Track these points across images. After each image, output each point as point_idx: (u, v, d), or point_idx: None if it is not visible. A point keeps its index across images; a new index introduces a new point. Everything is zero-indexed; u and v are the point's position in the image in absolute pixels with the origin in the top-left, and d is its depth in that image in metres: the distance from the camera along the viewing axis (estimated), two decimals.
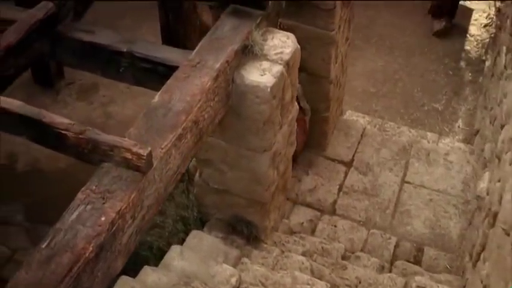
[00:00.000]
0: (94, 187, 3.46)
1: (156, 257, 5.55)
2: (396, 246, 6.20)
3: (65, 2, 5.17)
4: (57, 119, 3.70)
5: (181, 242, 5.49)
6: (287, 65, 4.70)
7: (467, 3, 10.44)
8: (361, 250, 6.10)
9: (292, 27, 5.90)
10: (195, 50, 4.48)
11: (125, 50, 4.87)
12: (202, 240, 5.08)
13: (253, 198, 5.17)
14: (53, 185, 7.62)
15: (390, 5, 10.24)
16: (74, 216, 3.31)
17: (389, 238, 6.23)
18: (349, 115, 7.93)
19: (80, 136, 3.60)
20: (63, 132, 3.65)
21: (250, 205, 5.24)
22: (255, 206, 5.23)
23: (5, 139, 6.53)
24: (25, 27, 4.84)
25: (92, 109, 8.85)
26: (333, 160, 7.00)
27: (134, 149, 3.46)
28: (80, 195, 3.41)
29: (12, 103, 3.85)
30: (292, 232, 6.14)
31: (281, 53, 4.71)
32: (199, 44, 4.52)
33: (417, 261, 6.05)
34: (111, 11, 9.23)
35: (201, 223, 5.63)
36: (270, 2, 4.92)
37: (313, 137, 6.77)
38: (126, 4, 9.49)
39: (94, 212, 3.32)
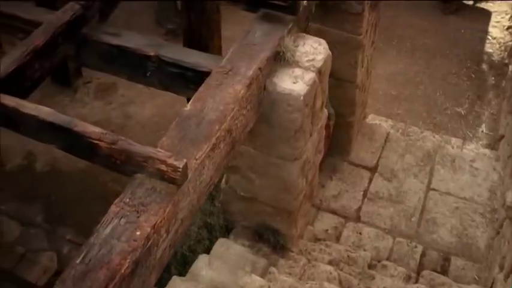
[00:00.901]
0: (128, 199, 3.36)
1: (179, 263, 5.47)
2: (422, 255, 6.09)
3: (92, 3, 5.06)
4: (89, 128, 3.61)
5: (206, 249, 5.41)
6: (319, 72, 4.59)
7: (487, 5, 10.29)
8: (387, 259, 6.00)
9: (319, 30, 5.79)
10: (226, 56, 4.37)
11: (152, 54, 4.77)
12: (229, 249, 4.98)
13: (281, 207, 5.07)
14: (73, 185, 7.55)
15: (410, 5, 10.11)
16: (108, 230, 3.21)
17: (416, 247, 6.12)
18: (372, 119, 7.80)
19: (113, 146, 3.51)
20: (95, 142, 3.56)
21: (277, 213, 5.14)
22: (282, 214, 5.13)
23: (23, 138, 6.47)
24: (51, 30, 4.76)
25: (111, 109, 8.76)
26: (357, 165, 6.89)
27: (169, 161, 3.36)
28: (113, 208, 3.32)
29: (42, 110, 3.76)
30: (316, 239, 6.04)
31: (313, 59, 4.61)
32: (231, 50, 4.42)
33: (444, 271, 5.94)
34: (128, 10, 9.12)
35: (226, 230, 5.53)
36: (301, 7, 4.79)
37: (337, 142, 6.66)
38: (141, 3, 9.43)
39: (129, 226, 3.22)
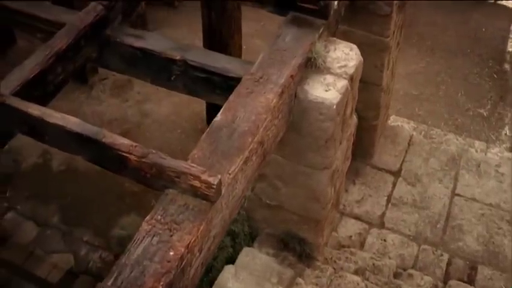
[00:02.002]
0: (159, 217, 3.22)
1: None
2: (448, 263, 5.96)
3: (115, 4, 4.91)
4: (118, 139, 3.46)
5: (229, 256, 5.29)
6: (351, 79, 4.44)
7: (508, 2, 10.09)
8: (413, 267, 5.86)
9: (345, 32, 5.64)
10: (256, 63, 4.21)
11: (178, 57, 4.62)
12: (255, 259, 4.85)
13: (308, 216, 4.94)
14: (89, 185, 7.43)
15: (431, 3, 9.92)
16: (140, 250, 3.07)
17: (441, 255, 5.98)
18: (394, 120, 7.65)
19: (143, 160, 3.37)
20: (124, 154, 3.41)
21: (304, 222, 5.01)
22: (309, 223, 5.00)
23: None
24: (74, 32, 4.62)
25: (127, 107, 8.63)
26: (380, 169, 6.75)
27: (203, 177, 3.22)
28: (145, 226, 3.18)
29: (69, 120, 3.63)
30: (340, 246, 5.91)
31: (345, 66, 4.45)
32: (261, 56, 4.26)
33: (471, 281, 5.81)
34: None
35: (250, 237, 5.39)
36: (331, 10, 4.63)
37: (360, 145, 6.50)
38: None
39: (161, 246, 3.09)
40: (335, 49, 4.58)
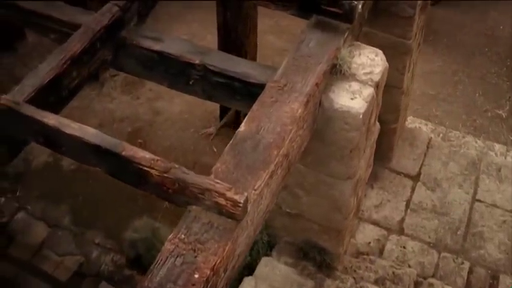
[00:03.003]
0: (183, 236, 3.08)
1: None
2: (470, 272, 5.82)
3: (130, 5, 4.75)
4: (139, 153, 3.31)
5: (246, 264, 5.16)
6: (376, 86, 4.27)
7: None
8: (433, 276, 5.72)
9: (366, 34, 5.48)
10: (280, 69, 4.05)
11: (197, 62, 4.46)
12: (274, 270, 4.72)
13: (329, 226, 4.80)
14: (101, 186, 7.31)
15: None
16: (163, 271, 2.92)
17: (462, 263, 5.84)
18: (411, 122, 7.49)
19: (165, 175, 3.21)
20: (145, 169, 3.26)
21: (325, 231, 4.87)
22: (330, 233, 4.86)
23: None
24: (89, 35, 4.46)
25: (139, 104, 8.49)
26: (399, 173, 6.60)
27: (229, 194, 3.07)
28: (168, 246, 3.03)
29: (87, 131, 3.48)
30: (359, 252, 5.77)
31: (370, 72, 4.29)
32: (285, 62, 4.10)
33: None
34: None
35: (268, 245, 5.26)
36: (356, 14, 4.46)
37: (379, 148, 6.29)
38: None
39: (186, 268, 2.94)
40: (360, 54, 4.42)
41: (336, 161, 4.36)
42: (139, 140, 7.93)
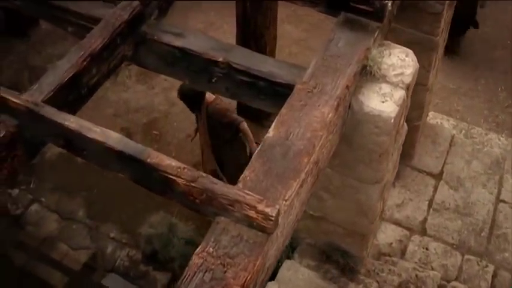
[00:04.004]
0: (211, 249, 2.94)
1: None
2: (494, 275, 5.67)
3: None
4: (165, 160, 3.17)
5: None
6: (407, 88, 4.11)
7: None
8: (456, 279, 5.59)
9: (392, 30, 5.28)
10: (308, 70, 3.90)
11: (221, 59, 4.29)
12: (297, 273, 4.60)
13: (354, 229, 4.66)
14: (116, 178, 7.10)
15: None
16: (191, 287, 2.78)
17: (486, 266, 5.70)
18: (433, 117, 7.32)
19: (193, 184, 3.07)
20: (171, 177, 3.12)
21: (349, 235, 4.74)
22: (354, 236, 4.73)
23: None
24: (110, 30, 4.31)
25: (154, 94, 8.36)
26: (421, 171, 6.45)
27: (260, 207, 2.93)
28: (196, 259, 2.90)
29: (110, 136, 3.34)
30: (381, 253, 5.64)
31: (401, 74, 4.13)
32: (313, 63, 3.94)
33: None
34: None
35: (290, 247, 5.13)
36: (387, 12, 4.29)
37: None
38: None
39: (215, 284, 2.82)
40: (390, 54, 4.26)
41: (364, 165, 4.22)
42: (155, 132, 7.80)
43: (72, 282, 6.51)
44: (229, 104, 6.64)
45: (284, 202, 3.15)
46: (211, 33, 9.32)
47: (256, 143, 6.78)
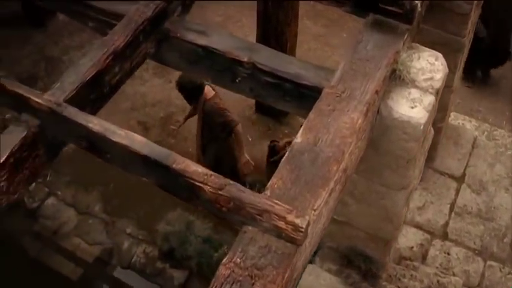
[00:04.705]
0: (239, 260, 2.86)
1: None
2: None
3: None
4: (191, 166, 3.09)
5: None
6: (437, 93, 4.01)
7: None
8: (478, 285, 5.50)
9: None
10: (337, 73, 3.80)
11: (245, 59, 4.20)
12: (319, 279, 4.53)
13: (377, 235, 4.56)
14: None
15: None
16: None
17: (509, 273, 5.63)
18: (454, 118, 7.21)
19: (220, 192, 2.99)
20: (198, 184, 3.04)
21: (372, 240, 4.65)
22: (378, 242, 4.65)
23: None
24: (133, 27, 4.22)
25: (171, 88, 8.24)
26: (443, 174, 6.36)
27: (289, 218, 2.85)
28: (223, 270, 2.82)
29: (135, 140, 3.27)
30: (401, 257, 5.55)
31: (431, 79, 4.03)
32: (342, 66, 3.84)
33: None
34: None
35: None
36: (417, 14, 4.18)
37: None
38: None
39: None
40: (419, 58, 4.15)
41: (391, 171, 4.12)
42: (172, 126, 7.72)
43: (87, 275, 6.46)
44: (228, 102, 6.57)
45: (313, 212, 3.07)
46: (229, 26, 9.25)
47: (273, 140, 6.71)
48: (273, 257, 2.91)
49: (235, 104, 7.83)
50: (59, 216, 6.99)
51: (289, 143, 6.40)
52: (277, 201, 2.95)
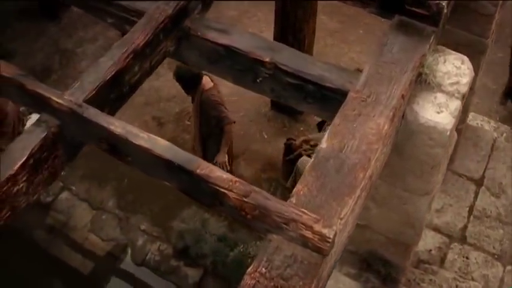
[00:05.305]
0: (264, 270, 2.81)
1: None
2: None
3: None
4: (215, 171, 3.03)
5: None
6: (463, 98, 3.93)
7: None
8: None
9: None
10: (362, 77, 3.72)
11: (267, 59, 4.13)
12: (338, 283, 4.50)
13: (398, 240, 4.50)
14: None
15: None
16: None
17: None
18: (473, 118, 7.11)
19: (245, 199, 2.93)
20: (222, 190, 2.98)
21: (392, 244, 4.59)
22: (398, 246, 4.58)
23: None
24: (153, 26, 4.16)
25: None
26: (461, 175, 6.27)
27: (317, 228, 2.79)
28: (248, 280, 2.77)
29: (157, 144, 3.20)
30: (419, 260, 5.49)
31: (457, 83, 3.95)
32: (367, 69, 3.76)
33: None
34: None
35: None
36: (443, 16, 4.10)
37: None
38: None
39: None
40: (445, 61, 4.08)
41: (415, 177, 4.05)
42: (188, 122, 7.67)
43: (101, 271, 6.43)
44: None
45: (339, 221, 3.00)
46: (244, 21, 9.17)
47: (290, 138, 6.65)
48: (299, 267, 2.85)
49: (251, 100, 7.79)
50: (73, 211, 6.96)
51: (306, 141, 6.38)
52: (304, 210, 2.88)
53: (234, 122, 6.55)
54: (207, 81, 6.26)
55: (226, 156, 6.47)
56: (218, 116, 6.32)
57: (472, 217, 5.98)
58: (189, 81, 6.30)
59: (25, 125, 6.60)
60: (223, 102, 6.48)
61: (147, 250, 6.56)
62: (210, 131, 6.51)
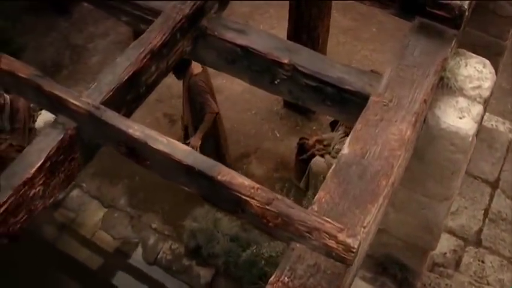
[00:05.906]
0: (287, 279, 2.76)
1: None
2: None
3: None
4: (237, 178, 2.97)
5: None
6: (485, 102, 3.86)
7: None
8: None
9: None
10: (383, 80, 3.66)
11: (286, 61, 4.07)
12: (354, 287, 4.37)
13: (416, 244, 4.44)
14: None
15: None
16: None
17: None
18: (487, 119, 7.04)
19: (267, 207, 2.87)
20: (244, 198, 2.93)
21: (409, 249, 4.54)
22: (416, 251, 4.53)
23: None
24: (170, 25, 4.10)
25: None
26: (476, 178, 6.22)
27: (341, 237, 2.73)
28: None
29: (177, 149, 3.15)
30: (434, 263, 5.43)
31: (479, 87, 3.89)
32: (388, 72, 3.70)
33: None
34: None
35: None
36: (465, 19, 4.04)
37: None
38: None
39: None
40: (466, 65, 4.01)
41: (435, 182, 3.99)
42: None
43: (112, 269, 6.40)
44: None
45: (363, 229, 2.95)
46: (256, 17, 9.11)
47: (303, 138, 6.60)
48: (322, 277, 2.80)
49: (263, 98, 7.73)
50: (84, 209, 6.92)
51: (319, 141, 6.33)
52: (327, 219, 2.83)
53: (218, 113, 6.50)
54: (195, 65, 6.21)
55: (200, 141, 6.43)
56: (202, 102, 6.30)
57: (487, 220, 5.93)
58: (177, 65, 6.26)
59: (36, 121, 6.56)
60: (211, 90, 6.45)
61: (158, 249, 6.52)
62: (194, 115, 6.50)
